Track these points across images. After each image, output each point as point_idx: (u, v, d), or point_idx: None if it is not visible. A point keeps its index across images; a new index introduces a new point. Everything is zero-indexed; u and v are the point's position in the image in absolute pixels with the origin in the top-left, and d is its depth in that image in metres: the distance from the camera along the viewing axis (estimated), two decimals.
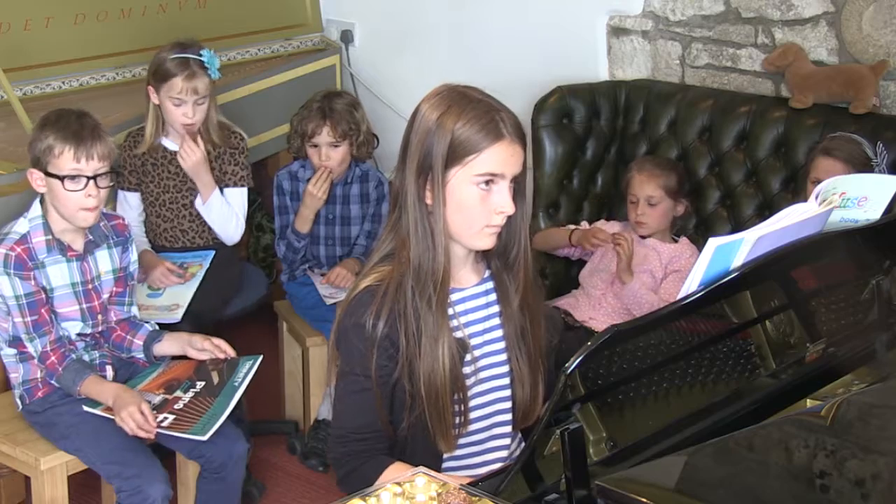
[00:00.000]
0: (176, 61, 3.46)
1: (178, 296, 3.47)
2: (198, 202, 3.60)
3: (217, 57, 3.55)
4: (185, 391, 2.90)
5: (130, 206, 3.64)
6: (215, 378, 2.93)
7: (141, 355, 3.04)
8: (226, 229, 3.64)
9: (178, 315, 3.39)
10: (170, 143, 3.60)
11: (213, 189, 3.58)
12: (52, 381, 2.89)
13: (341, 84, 4.61)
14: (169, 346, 3.04)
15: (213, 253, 3.64)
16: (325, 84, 4.16)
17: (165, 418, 2.80)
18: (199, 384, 2.91)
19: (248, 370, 2.91)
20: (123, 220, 3.07)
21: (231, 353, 2.97)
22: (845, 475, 1.72)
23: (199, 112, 3.52)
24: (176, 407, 2.84)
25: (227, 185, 3.64)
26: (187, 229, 3.65)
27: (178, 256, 3.61)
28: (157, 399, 2.88)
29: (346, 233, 3.79)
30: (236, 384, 2.88)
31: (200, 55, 3.49)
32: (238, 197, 3.66)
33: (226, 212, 3.61)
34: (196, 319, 3.40)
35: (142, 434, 2.78)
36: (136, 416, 2.75)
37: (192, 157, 3.51)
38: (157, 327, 3.10)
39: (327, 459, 2.83)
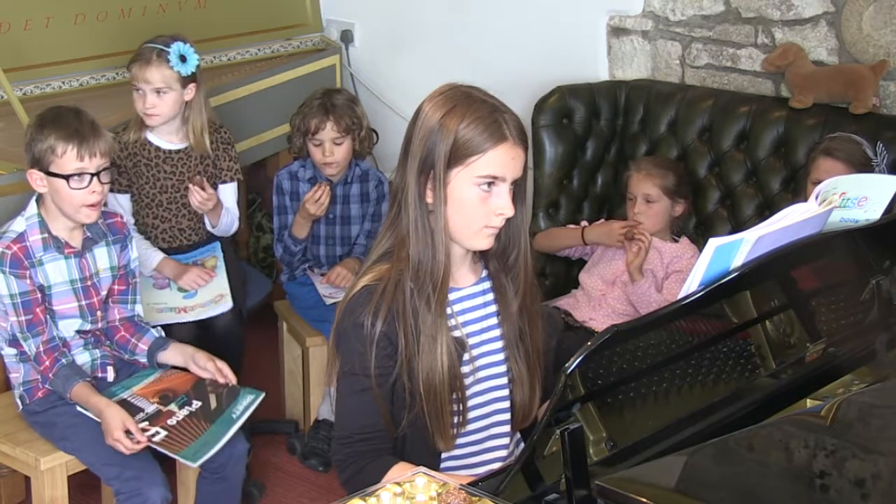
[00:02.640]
0: (141, 50, 3.40)
1: (215, 287, 3.50)
2: (208, 226, 3.59)
3: (194, 54, 3.38)
4: (180, 406, 2.89)
5: (123, 208, 3.52)
6: (213, 402, 2.91)
7: (144, 359, 3.03)
8: (228, 231, 3.66)
9: (228, 302, 3.43)
10: (156, 139, 3.51)
11: (220, 210, 3.56)
12: (47, 385, 2.89)
13: (341, 84, 4.61)
14: (173, 355, 3.02)
15: (218, 243, 3.64)
16: (325, 84, 4.15)
17: (157, 433, 2.79)
18: (196, 403, 2.90)
19: (248, 405, 2.90)
20: (122, 217, 3.06)
21: (232, 379, 2.96)
22: (845, 475, 1.72)
23: (164, 105, 3.39)
24: (169, 422, 2.83)
25: (222, 182, 3.62)
26: (185, 227, 3.61)
27: (186, 258, 3.59)
28: (150, 408, 2.87)
29: (346, 232, 3.79)
30: (234, 416, 2.87)
31: (168, 47, 3.36)
32: (231, 192, 3.63)
33: (229, 218, 3.61)
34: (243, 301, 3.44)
35: (133, 450, 2.76)
36: (124, 441, 2.75)
37: (207, 205, 3.48)
38: (162, 333, 3.08)
39: (331, 461, 2.81)
